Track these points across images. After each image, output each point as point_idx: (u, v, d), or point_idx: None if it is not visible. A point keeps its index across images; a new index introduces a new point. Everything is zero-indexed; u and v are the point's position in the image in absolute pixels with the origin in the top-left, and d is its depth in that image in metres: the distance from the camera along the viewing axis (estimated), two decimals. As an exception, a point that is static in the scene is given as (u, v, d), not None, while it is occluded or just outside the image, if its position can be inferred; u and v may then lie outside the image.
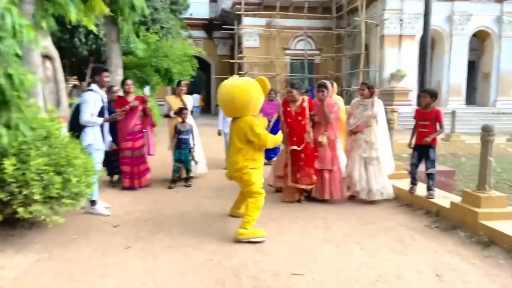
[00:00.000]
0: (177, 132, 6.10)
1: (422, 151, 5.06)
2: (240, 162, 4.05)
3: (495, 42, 19.80)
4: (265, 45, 22.52)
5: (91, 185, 4.12)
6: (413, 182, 5.24)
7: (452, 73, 19.44)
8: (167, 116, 6.44)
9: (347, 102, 6.80)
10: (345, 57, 22.15)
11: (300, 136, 5.23)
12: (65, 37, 11.12)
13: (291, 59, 23.12)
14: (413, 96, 19.10)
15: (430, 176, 4.99)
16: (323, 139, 5.31)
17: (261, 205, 4.09)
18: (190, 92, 7.12)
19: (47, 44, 5.56)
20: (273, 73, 22.06)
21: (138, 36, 13.75)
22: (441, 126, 4.95)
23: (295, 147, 5.23)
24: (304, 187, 5.31)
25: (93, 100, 4.52)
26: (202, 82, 31.50)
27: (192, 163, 6.31)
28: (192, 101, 6.74)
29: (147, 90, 5.93)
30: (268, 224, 4.44)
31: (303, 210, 5.06)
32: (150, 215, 4.75)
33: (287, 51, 22.97)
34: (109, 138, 5.02)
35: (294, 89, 5.24)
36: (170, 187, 6.06)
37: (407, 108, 18.16)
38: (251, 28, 22.11)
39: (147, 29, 13.97)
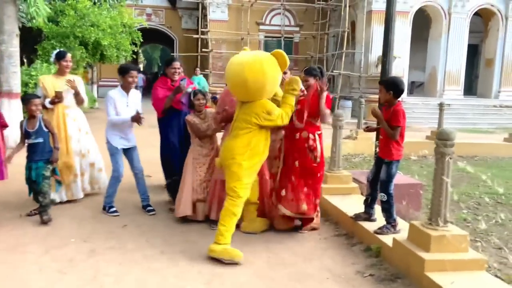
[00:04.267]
0: (23, 133, 4.37)
1: (379, 165, 4.02)
2: (237, 148, 3.73)
3: (500, 23, 18.94)
4: (235, 19, 21.29)
5: None
6: (366, 210, 4.15)
7: (450, 58, 18.55)
8: (43, 107, 4.74)
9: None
10: (328, 36, 21.11)
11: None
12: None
13: (266, 36, 21.97)
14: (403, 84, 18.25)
15: (382, 206, 3.94)
16: None
17: (237, 213, 3.69)
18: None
19: None
20: (243, 51, 20.93)
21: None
22: (392, 133, 3.77)
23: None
24: (287, 213, 4.15)
25: None
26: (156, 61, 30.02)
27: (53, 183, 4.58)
28: (82, 84, 5.17)
29: None
30: (113, 258, 3.40)
31: (199, 234, 4.04)
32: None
33: (261, 27, 21.79)
34: None
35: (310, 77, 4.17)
36: (43, 221, 4.29)
37: (395, 98, 17.31)
38: (218, -3, 20.84)
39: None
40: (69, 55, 5.05)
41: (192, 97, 4.45)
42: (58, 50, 5.09)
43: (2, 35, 8.07)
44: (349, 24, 18.88)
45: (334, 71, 18.94)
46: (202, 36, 21.13)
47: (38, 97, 4.54)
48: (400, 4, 17.85)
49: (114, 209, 4.69)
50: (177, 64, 4.85)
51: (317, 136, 4.13)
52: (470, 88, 20.39)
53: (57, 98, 4.79)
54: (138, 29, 22.61)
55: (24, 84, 9.26)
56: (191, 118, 4.46)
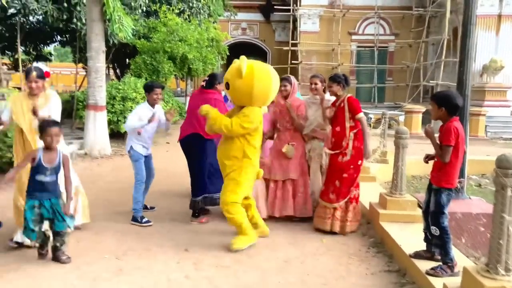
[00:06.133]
0: (33, 166, 3.57)
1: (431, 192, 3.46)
2: None
3: None
4: (327, 30, 20.84)
5: None
6: (427, 247, 3.54)
7: None
8: None
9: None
10: (426, 44, 19.65)
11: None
12: (63, 17, 10.78)
13: (358, 46, 21.16)
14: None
15: (434, 241, 3.39)
16: (287, 150, 4.83)
17: None
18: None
19: None
20: (335, 62, 20.37)
21: (157, 14, 13.13)
22: (441, 154, 3.26)
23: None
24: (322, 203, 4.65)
25: None
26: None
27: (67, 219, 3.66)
28: (58, 105, 4.18)
29: None
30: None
31: (232, 259, 3.76)
32: None
33: (354, 37, 21.06)
34: None
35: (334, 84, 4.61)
36: (40, 254, 3.75)
37: (503, 110, 15.46)
38: (309, 9, 20.57)
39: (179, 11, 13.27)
40: (33, 74, 4.00)
41: None
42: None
43: (90, 51, 8.66)
44: (450, 31, 17.39)
45: (431, 81, 17.54)
46: (292, 48, 21.02)
47: (57, 124, 3.69)
48: (510, 6, 16.09)
49: (146, 219, 4.80)
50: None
51: (351, 135, 4.44)
52: None
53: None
54: (233, 44, 23.46)
55: (112, 97, 9.86)
56: None
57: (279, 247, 4.17)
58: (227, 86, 4.03)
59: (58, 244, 3.67)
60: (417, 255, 3.57)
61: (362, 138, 4.46)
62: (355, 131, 4.46)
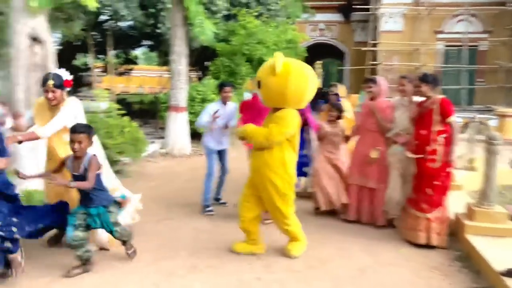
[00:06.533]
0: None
1: None
2: None
3: None
4: (410, 28, 19.88)
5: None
6: None
7: None
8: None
9: None
10: (523, 42, 18.04)
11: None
12: (150, 22, 11.37)
13: (446, 45, 19.93)
14: None
15: None
16: (376, 155, 4.73)
17: None
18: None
19: (36, 24, 5.27)
20: (417, 63, 19.39)
21: (236, 18, 13.37)
22: None
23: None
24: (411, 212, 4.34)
25: None
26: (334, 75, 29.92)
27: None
28: (67, 114, 3.65)
29: None
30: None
31: (303, 263, 3.68)
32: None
33: (440, 35, 19.85)
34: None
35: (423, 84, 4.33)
36: (129, 256, 3.72)
37: None
38: (392, 7, 19.79)
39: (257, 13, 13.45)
40: (49, 83, 3.57)
41: None
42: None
43: (173, 55, 9.04)
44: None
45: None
46: (372, 48, 20.36)
47: (84, 130, 3.35)
48: None
49: (209, 208, 5.18)
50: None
51: (439, 139, 4.15)
52: None
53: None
54: (311, 45, 23.27)
55: (192, 99, 10.18)
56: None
57: (352, 254, 4.02)
58: (258, 84, 3.82)
59: (125, 240, 3.71)
60: (510, 272, 3.25)
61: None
62: (444, 135, 4.16)
